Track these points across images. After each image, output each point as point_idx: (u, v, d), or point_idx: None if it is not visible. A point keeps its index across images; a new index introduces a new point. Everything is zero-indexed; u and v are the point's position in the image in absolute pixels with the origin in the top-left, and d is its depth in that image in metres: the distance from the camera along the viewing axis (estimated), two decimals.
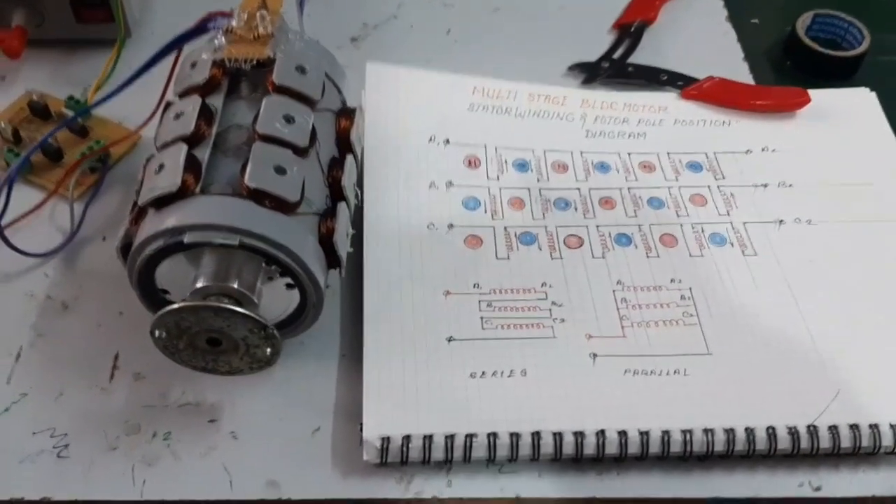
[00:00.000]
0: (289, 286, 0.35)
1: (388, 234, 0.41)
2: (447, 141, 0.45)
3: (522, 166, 0.45)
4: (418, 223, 0.42)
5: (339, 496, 0.34)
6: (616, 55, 0.52)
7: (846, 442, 0.35)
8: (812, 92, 0.48)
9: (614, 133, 0.47)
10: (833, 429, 0.35)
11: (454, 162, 0.45)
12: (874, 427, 0.35)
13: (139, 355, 0.38)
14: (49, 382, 0.37)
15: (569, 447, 0.34)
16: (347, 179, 0.38)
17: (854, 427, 0.35)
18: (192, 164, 0.34)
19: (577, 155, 0.46)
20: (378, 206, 0.42)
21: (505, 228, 0.42)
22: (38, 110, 0.47)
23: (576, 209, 0.43)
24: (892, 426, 0.35)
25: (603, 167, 0.45)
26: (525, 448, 0.34)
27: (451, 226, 0.42)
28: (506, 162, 0.45)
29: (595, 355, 0.37)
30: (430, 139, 0.45)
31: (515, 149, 0.46)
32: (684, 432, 0.35)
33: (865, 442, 0.35)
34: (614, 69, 0.51)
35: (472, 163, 0.44)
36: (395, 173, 0.44)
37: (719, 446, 0.35)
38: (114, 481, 0.35)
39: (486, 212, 0.43)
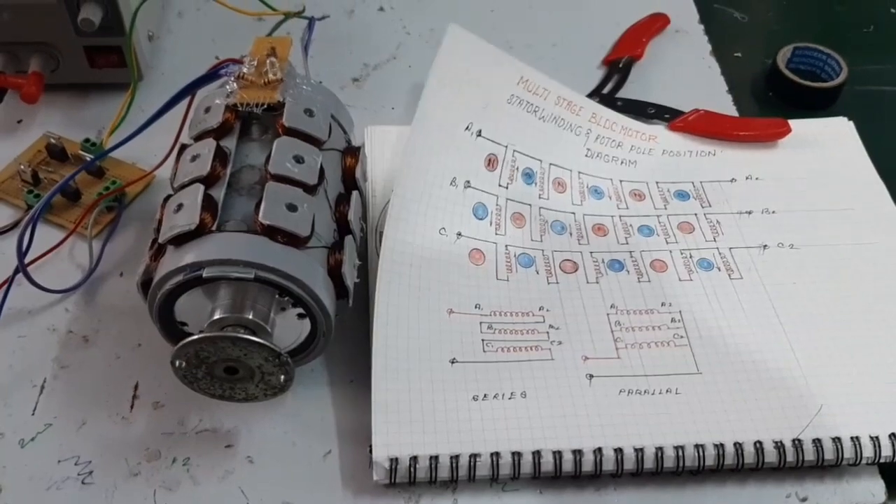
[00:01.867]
0: (300, 316, 0.37)
1: (404, 233, 0.42)
2: (479, 132, 0.46)
3: (529, 177, 0.47)
4: (433, 224, 0.43)
5: None
6: (605, 90, 0.55)
7: (829, 454, 0.37)
8: (793, 122, 0.51)
9: (609, 157, 0.49)
10: (817, 442, 0.37)
11: (477, 158, 0.46)
12: (855, 439, 0.37)
13: (158, 385, 0.40)
14: (72, 413, 0.39)
15: (568, 465, 0.36)
16: (353, 214, 0.40)
17: (836, 440, 0.37)
18: (208, 204, 0.36)
19: (576, 175, 0.48)
20: (403, 195, 0.43)
21: (506, 247, 0.44)
22: (56, 152, 0.49)
23: (571, 234, 0.45)
24: (871, 438, 0.37)
25: (597, 192, 0.47)
26: (526, 466, 0.36)
27: (459, 234, 0.44)
28: (517, 169, 0.47)
29: (591, 376, 0.39)
30: (467, 128, 0.46)
31: (527, 156, 0.47)
32: (677, 448, 0.37)
33: (848, 454, 0.37)
34: (604, 104, 0.53)
35: (491, 162, 0.46)
36: (430, 154, 0.44)
37: (710, 461, 0.37)
38: None
39: (490, 224, 0.45)
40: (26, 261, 0.42)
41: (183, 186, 0.38)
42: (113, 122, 0.49)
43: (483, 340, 0.41)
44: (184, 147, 0.41)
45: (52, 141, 0.49)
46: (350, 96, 0.52)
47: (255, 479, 0.37)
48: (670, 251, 0.45)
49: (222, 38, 0.57)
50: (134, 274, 0.38)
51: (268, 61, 0.40)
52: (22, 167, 0.47)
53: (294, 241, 0.36)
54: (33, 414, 0.39)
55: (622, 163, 0.50)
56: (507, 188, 0.46)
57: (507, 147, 0.47)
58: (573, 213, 0.47)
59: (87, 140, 0.49)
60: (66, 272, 0.44)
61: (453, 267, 0.43)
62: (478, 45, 0.48)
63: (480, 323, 0.41)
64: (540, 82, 0.49)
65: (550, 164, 0.48)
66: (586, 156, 0.49)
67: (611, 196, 0.48)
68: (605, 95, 0.54)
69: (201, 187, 0.37)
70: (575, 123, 0.49)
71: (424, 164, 0.44)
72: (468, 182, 0.45)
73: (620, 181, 0.49)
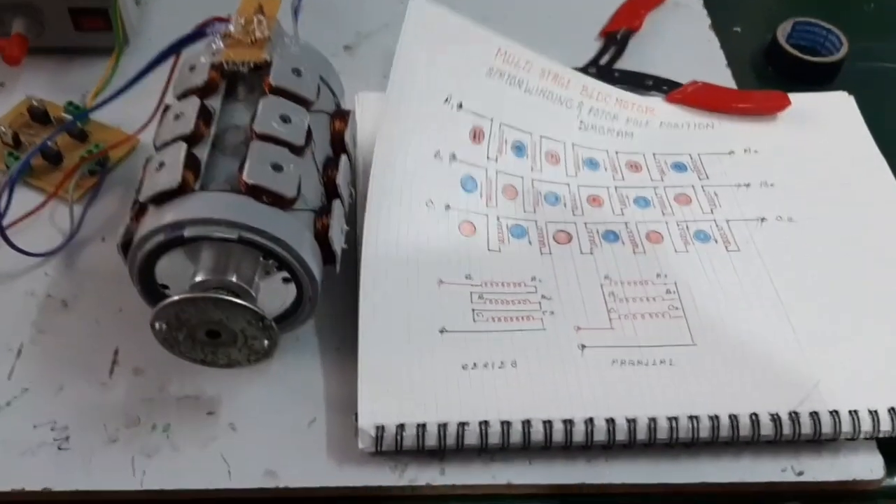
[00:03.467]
0: (285, 280, 0.36)
1: (388, 204, 0.41)
2: (460, 105, 0.45)
3: (520, 150, 0.45)
4: (418, 197, 0.42)
5: (335, 484, 0.35)
6: (603, 61, 0.54)
7: (827, 428, 0.36)
8: (792, 95, 0.50)
9: (604, 129, 0.48)
10: (814, 415, 0.36)
11: (461, 130, 0.45)
12: (853, 413, 0.36)
13: (138, 350, 0.39)
14: (50, 377, 0.38)
15: (558, 435, 0.35)
16: (342, 178, 0.39)
17: (834, 413, 0.36)
18: (191, 162, 0.35)
19: (570, 147, 0.47)
20: (383, 176, 0.42)
21: (498, 218, 0.43)
22: (38, 115, 0.48)
23: (565, 205, 0.44)
24: (870, 412, 0.36)
25: (592, 164, 0.46)
26: (516, 436, 0.35)
27: (448, 207, 0.43)
28: (506, 142, 0.45)
29: (584, 346, 0.38)
30: (446, 100, 0.45)
31: (516, 129, 0.46)
32: (670, 419, 0.36)
33: (845, 428, 0.36)
34: (601, 75, 0.53)
35: (477, 135, 0.45)
36: (409, 128, 0.43)
37: (704, 433, 0.36)
38: (114, 472, 0.35)
39: (481, 196, 0.43)
40: (5, 223, 0.41)
41: (165, 145, 0.36)
42: (97, 86, 0.48)
43: (474, 310, 0.39)
44: (168, 107, 0.39)
45: (35, 104, 0.47)
46: (342, 64, 0.50)
47: (237, 446, 0.36)
48: (666, 223, 0.44)
49: (211, 3, 0.55)
50: (115, 238, 0.37)
51: (255, 19, 0.39)
52: (2, 129, 0.46)
53: (279, 201, 0.35)
54: (9, 378, 0.38)
55: (618, 134, 0.48)
56: (496, 161, 0.45)
57: (492, 120, 0.46)
58: (567, 184, 0.45)
59: (70, 103, 0.48)
60: (46, 236, 0.43)
61: (442, 239, 0.42)
62: (445, 16, 0.47)
63: (471, 293, 0.40)
64: (521, 54, 0.47)
65: (542, 136, 0.47)
66: (580, 128, 0.48)
67: (606, 167, 0.47)
68: (602, 67, 0.53)
69: (184, 145, 0.36)
70: (565, 96, 0.48)
71: (404, 138, 0.43)
72: (454, 155, 0.44)
73: (616, 152, 0.48)
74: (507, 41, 0.47)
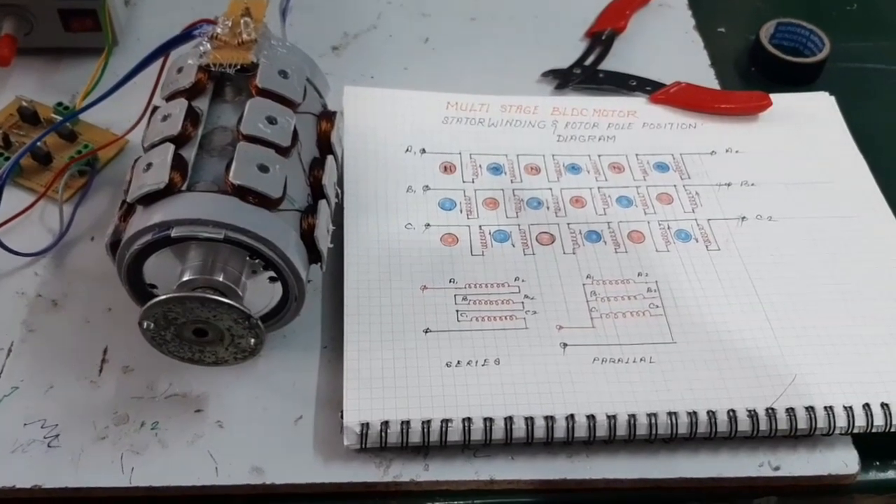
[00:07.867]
0: (272, 279, 0.37)
1: (367, 234, 0.43)
2: (423, 150, 0.47)
3: (496, 170, 0.46)
4: (396, 223, 0.43)
5: (320, 480, 0.36)
6: (587, 62, 0.54)
7: (803, 423, 0.37)
8: (774, 96, 0.50)
9: (584, 137, 0.49)
10: (790, 411, 0.37)
11: (430, 168, 0.46)
12: (829, 409, 0.37)
13: (127, 349, 0.39)
14: (40, 376, 0.38)
15: (540, 431, 0.36)
16: (328, 178, 0.39)
17: (810, 409, 0.37)
18: (178, 163, 0.36)
19: (549, 158, 0.48)
20: (357, 207, 0.44)
21: (480, 227, 0.44)
22: (28, 116, 0.48)
23: (548, 208, 0.45)
24: (845, 408, 0.37)
25: (574, 168, 0.47)
26: (498, 432, 0.36)
27: (427, 225, 0.43)
28: (480, 167, 0.47)
29: (565, 345, 0.39)
30: (407, 150, 0.47)
31: (489, 154, 0.47)
32: (650, 416, 0.36)
33: (821, 423, 0.37)
34: (586, 75, 0.53)
35: (448, 168, 0.46)
36: (374, 179, 0.45)
37: (683, 429, 0.36)
38: (103, 469, 0.36)
39: (461, 212, 0.44)
40: None
41: (153, 146, 0.37)
42: (87, 86, 0.48)
43: (457, 311, 0.40)
44: (156, 108, 0.40)
45: (24, 104, 0.48)
46: (329, 64, 0.51)
47: (224, 443, 0.37)
48: (648, 222, 0.45)
49: (200, 4, 0.56)
50: (104, 238, 0.37)
51: (242, 21, 0.40)
52: None
53: (265, 202, 0.36)
54: (0, 377, 0.38)
55: (600, 139, 0.49)
56: (472, 182, 0.46)
57: (460, 153, 0.47)
58: (550, 188, 0.46)
59: (59, 104, 0.48)
60: (35, 236, 0.43)
61: (424, 252, 0.42)
62: (381, 92, 0.50)
63: (455, 295, 0.41)
64: (473, 100, 0.50)
65: (518, 154, 0.48)
66: (558, 141, 0.49)
67: (588, 170, 0.47)
68: (587, 67, 0.54)
69: (171, 146, 0.36)
70: (535, 120, 0.49)
71: (371, 181, 0.45)
72: (427, 186, 0.45)
73: (599, 156, 0.48)
74: (454, 94, 0.50)
